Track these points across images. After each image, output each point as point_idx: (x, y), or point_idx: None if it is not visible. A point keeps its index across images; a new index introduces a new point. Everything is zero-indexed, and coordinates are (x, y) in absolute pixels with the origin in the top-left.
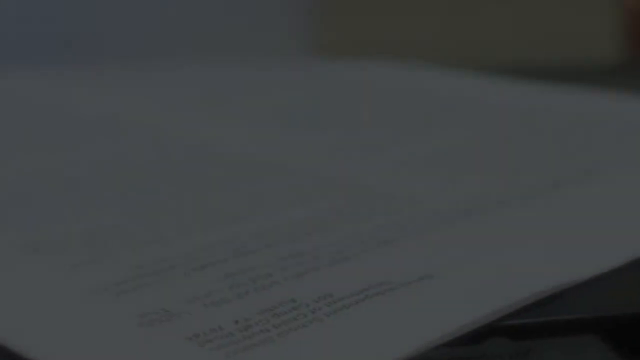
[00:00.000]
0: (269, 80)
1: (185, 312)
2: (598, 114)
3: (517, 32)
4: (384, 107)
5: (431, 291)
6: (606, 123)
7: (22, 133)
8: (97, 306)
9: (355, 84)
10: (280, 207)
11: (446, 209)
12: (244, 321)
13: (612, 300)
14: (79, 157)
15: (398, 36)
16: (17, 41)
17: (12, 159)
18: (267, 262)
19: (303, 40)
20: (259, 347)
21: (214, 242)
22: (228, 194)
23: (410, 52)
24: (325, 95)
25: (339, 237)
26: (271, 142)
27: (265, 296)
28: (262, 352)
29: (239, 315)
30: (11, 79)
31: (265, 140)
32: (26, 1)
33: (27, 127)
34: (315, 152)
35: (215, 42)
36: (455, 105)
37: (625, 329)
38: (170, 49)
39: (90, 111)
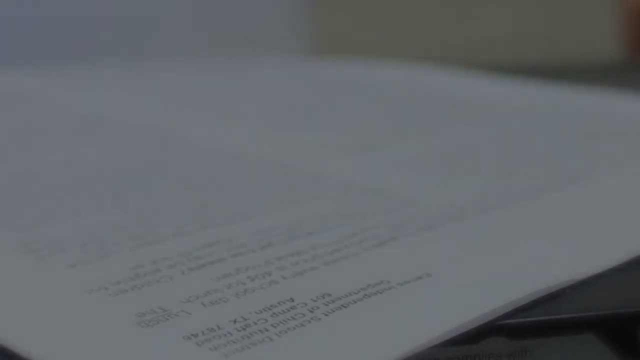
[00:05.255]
0: (267, 79)
1: (183, 312)
2: (598, 113)
3: (517, 32)
4: (382, 106)
5: (429, 290)
6: (606, 123)
7: (20, 132)
8: (95, 306)
9: (354, 83)
10: (279, 207)
11: (445, 209)
12: (242, 320)
13: (611, 300)
14: (77, 156)
15: (397, 35)
16: (15, 41)
17: (9, 159)
18: (265, 261)
19: (301, 39)
20: (257, 347)
21: (212, 241)
22: (226, 193)
23: (409, 51)
24: (323, 94)
25: (338, 236)
26: (269, 142)
27: (263, 295)
28: (260, 352)
29: (237, 315)
30: (9, 78)
31: (263, 139)
32: (25, 1)
33: (25, 127)
34: (314, 152)
35: (212, 42)
36: (454, 105)
37: (624, 328)
38: (169, 49)
39: (89, 110)
